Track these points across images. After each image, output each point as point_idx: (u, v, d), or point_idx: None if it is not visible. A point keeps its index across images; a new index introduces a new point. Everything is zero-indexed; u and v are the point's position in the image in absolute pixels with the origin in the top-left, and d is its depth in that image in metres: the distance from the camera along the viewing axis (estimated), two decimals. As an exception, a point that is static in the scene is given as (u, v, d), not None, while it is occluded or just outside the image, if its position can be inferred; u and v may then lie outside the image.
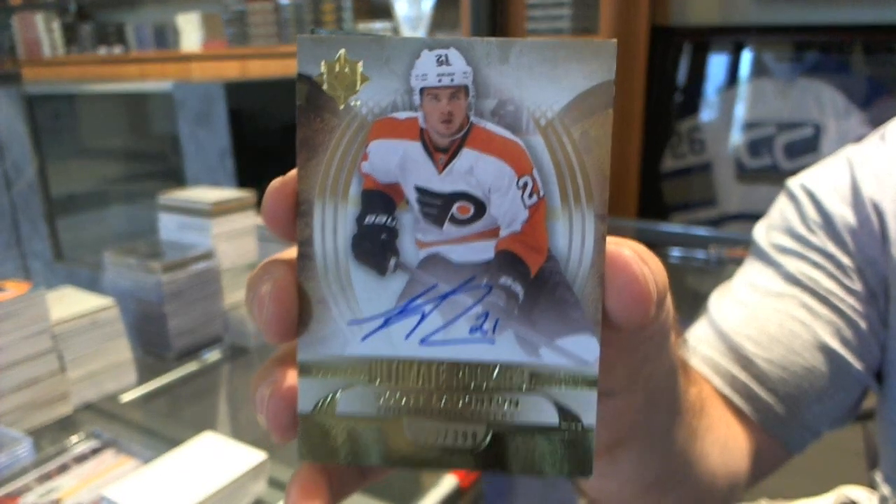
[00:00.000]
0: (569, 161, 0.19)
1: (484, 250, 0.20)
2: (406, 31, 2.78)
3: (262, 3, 3.09)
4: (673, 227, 1.75)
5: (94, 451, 0.71)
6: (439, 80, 0.19)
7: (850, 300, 0.46)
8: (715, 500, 0.38)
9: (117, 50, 3.69)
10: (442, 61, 0.19)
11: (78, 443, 0.72)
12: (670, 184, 2.17)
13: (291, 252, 0.21)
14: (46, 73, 3.86)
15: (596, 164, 0.19)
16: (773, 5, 1.96)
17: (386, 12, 2.86)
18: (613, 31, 2.01)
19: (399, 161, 0.20)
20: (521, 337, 0.20)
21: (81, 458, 0.70)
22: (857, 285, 0.46)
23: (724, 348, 0.46)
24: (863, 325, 0.46)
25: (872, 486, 0.59)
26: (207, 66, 3.31)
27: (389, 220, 0.20)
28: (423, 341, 0.20)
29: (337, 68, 0.19)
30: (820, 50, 1.92)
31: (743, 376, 0.45)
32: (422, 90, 0.19)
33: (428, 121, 0.19)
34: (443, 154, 0.20)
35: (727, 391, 0.45)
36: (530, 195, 0.20)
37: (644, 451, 0.28)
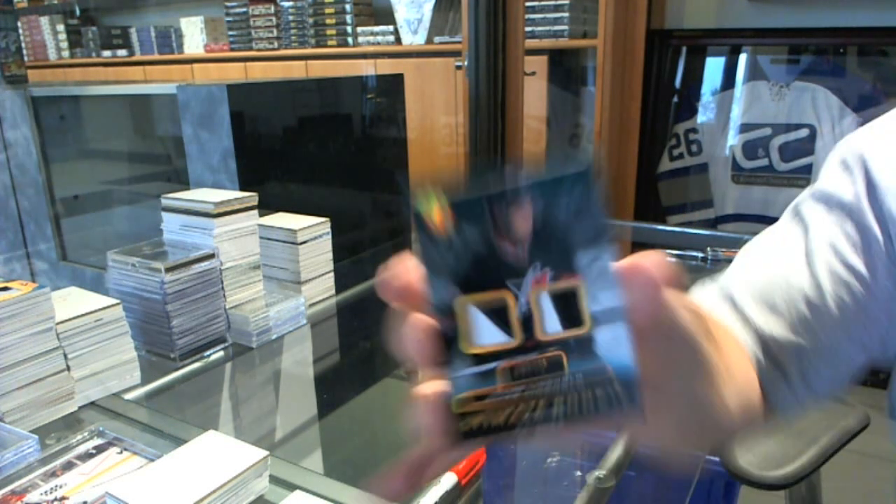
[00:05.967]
0: None
1: None
2: (407, 34, 2.79)
3: (264, 7, 3.11)
4: (670, 228, 1.76)
5: (99, 449, 0.72)
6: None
7: (865, 272, 0.45)
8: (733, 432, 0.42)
9: (121, 53, 3.71)
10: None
11: (83, 441, 0.73)
12: (667, 185, 2.18)
13: None
14: (51, 75, 3.88)
15: None
16: (768, 8, 1.97)
17: (387, 16, 2.87)
18: (612, 34, 2.02)
19: None
20: None
21: (86, 456, 0.71)
22: (883, 258, 0.45)
23: (734, 307, 0.48)
24: (870, 299, 0.45)
25: None
26: (210, 69, 3.32)
27: None
28: None
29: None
30: (815, 53, 1.92)
31: (747, 336, 0.47)
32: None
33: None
34: None
35: (742, 339, 0.47)
36: None
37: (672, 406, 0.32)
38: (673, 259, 1.33)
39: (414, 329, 0.25)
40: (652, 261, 0.25)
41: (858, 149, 0.48)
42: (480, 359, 0.25)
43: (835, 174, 0.49)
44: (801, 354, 0.46)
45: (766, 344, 0.46)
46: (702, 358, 0.33)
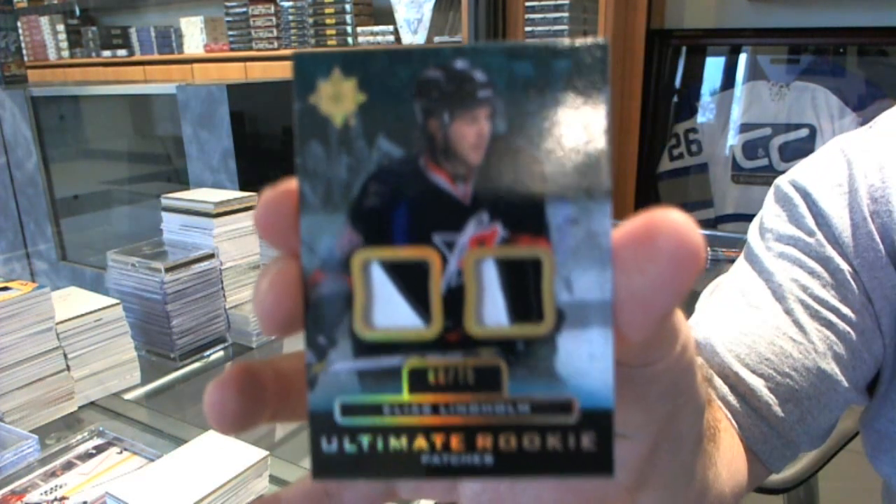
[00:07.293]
0: None
1: None
2: (407, 35, 2.79)
3: (264, 7, 3.11)
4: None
5: (99, 449, 0.72)
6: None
7: (845, 310, 0.44)
8: None
9: (121, 53, 3.71)
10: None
11: (82, 441, 0.73)
12: (667, 185, 2.18)
13: None
14: (51, 75, 3.88)
15: None
16: (768, 8, 1.97)
17: (387, 16, 2.87)
18: (612, 34, 2.02)
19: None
20: None
21: (86, 456, 0.71)
22: (854, 291, 0.44)
23: (713, 362, 0.45)
24: (855, 336, 0.44)
25: None
26: (210, 69, 3.32)
27: None
28: None
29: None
30: (815, 52, 1.93)
31: (731, 396, 0.43)
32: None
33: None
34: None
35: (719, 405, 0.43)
36: None
37: (667, 489, 0.24)
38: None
39: (275, 283, 0.16)
40: (678, 224, 0.15)
41: (800, 182, 0.47)
42: (382, 348, 0.16)
43: (779, 210, 0.48)
44: (797, 404, 0.43)
45: (752, 401, 0.43)
46: (706, 425, 0.25)
